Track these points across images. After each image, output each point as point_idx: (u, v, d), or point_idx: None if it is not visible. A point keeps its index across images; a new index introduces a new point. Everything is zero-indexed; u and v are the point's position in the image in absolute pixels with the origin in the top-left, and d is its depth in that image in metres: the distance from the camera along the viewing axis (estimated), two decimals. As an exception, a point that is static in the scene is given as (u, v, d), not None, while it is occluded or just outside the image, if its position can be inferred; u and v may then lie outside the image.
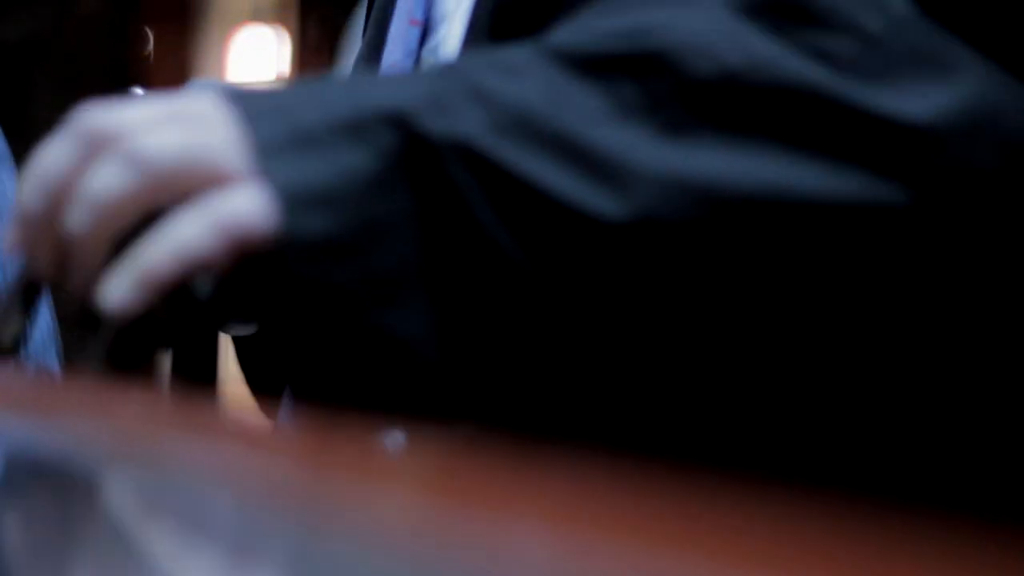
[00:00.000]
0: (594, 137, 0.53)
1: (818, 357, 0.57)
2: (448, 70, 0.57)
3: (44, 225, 0.52)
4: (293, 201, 0.50)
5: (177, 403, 0.48)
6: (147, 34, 4.69)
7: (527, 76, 0.54)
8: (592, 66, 0.54)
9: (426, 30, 0.71)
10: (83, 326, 0.51)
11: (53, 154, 0.53)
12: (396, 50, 0.72)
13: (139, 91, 0.61)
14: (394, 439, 0.61)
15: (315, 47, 4.67)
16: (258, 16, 4.91)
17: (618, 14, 0.56)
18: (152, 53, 4.71)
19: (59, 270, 0.52)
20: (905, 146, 0.54)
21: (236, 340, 0.72)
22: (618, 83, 0.54)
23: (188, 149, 0.51)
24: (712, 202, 0.52)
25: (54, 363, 1.11)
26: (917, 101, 0.54)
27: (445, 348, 0.52)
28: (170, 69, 4.61)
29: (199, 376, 0.53)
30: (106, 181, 0.51)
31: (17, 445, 0.41)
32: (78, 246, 0.51)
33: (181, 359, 0.54)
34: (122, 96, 0.57)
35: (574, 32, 0.56)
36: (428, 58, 0.70)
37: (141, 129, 0.52)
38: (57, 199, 0.52)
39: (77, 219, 0.51)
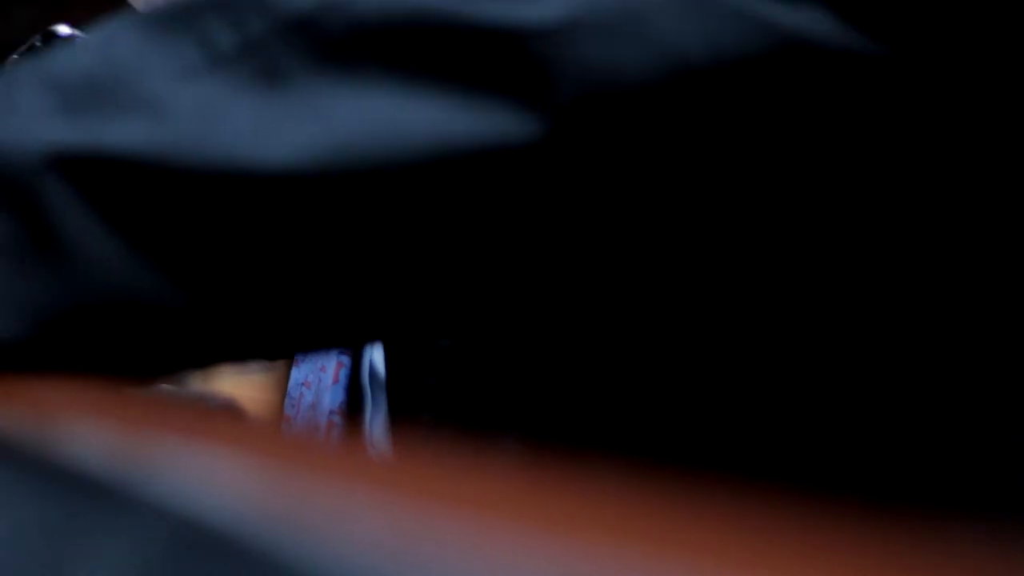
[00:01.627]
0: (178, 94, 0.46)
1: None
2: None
3: None
4: None
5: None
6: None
7: (90, 47, 0.48)
8: (175, 18, 0.48)
9: None
10: None
11: None
12: None
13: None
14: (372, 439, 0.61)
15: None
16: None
17: None
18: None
19: None
20: (525, 60, 0.45)
21: None
22: (207, 30, 0.48)
23: None
24: (325, 154, 0.46)
25: None
26: (530, 4, 0.46)
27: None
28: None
29: None
30: None
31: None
32: None
33: None
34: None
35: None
36: None
37: None
38: None
39: None
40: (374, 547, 0.26)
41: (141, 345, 0.47)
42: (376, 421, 0.86)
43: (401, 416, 0.65)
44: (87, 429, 0.39)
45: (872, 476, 0.56)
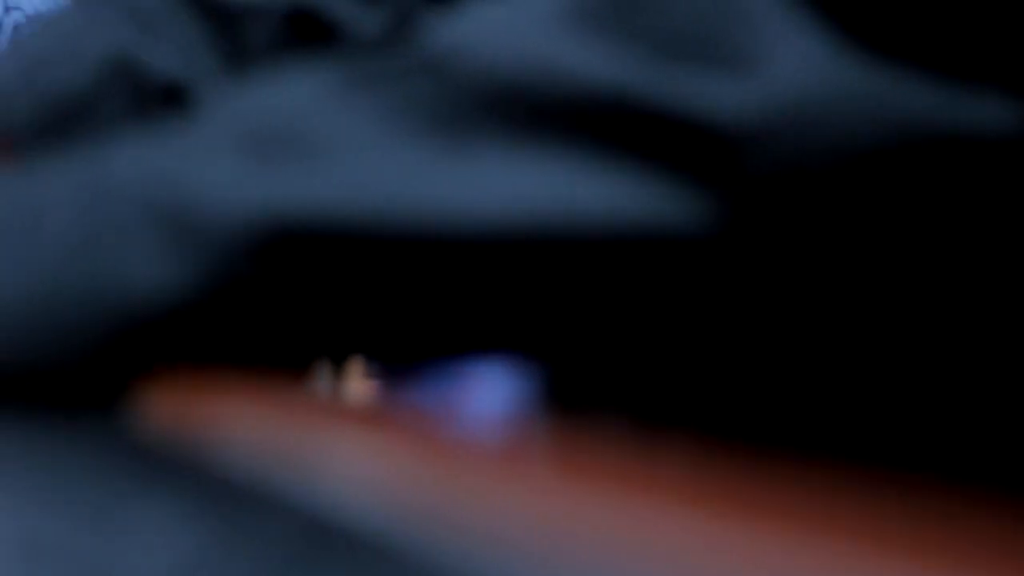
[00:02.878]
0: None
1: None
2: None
3: None
4: None
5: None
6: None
7: (281, 105, 0.50)
8: (369, 80, 0.49)
9: None
10: None
11: None
12: None
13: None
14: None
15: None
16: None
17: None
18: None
19: None
20: (709, 150, 0.46)
21: None
22: (399, 95, 0.49)
23: None
24: (503, 221, 0.47)
25: None
26: (721, 96, 0.46)
27: None
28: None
29: None
30: None
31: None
32: None
33: None
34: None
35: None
36: None
37: None
38: None
39: None
40: (526, 547, 0.25)
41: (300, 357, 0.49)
42: (520, 419, 0.86)
43: (561, 412, 0.65)
44: (235, 426, 0.39)
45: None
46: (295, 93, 0.50)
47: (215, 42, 0.84)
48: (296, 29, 0.83)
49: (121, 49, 0.82)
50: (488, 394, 0.99)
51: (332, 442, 0.35)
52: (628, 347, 0.52)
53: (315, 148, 0.48)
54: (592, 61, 0.48)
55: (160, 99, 0.81)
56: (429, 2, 0.80)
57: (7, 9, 1.28)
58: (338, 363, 0.51)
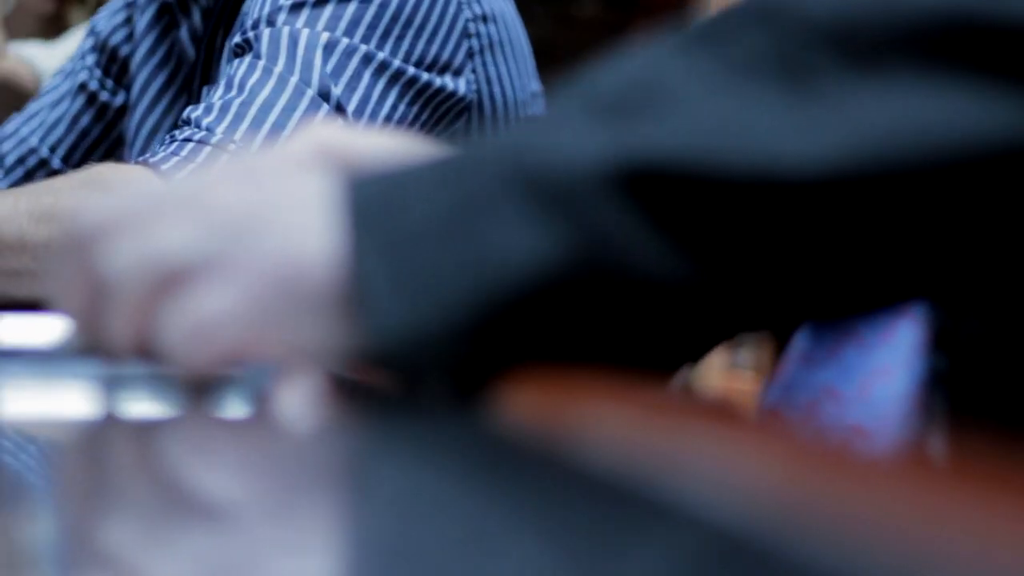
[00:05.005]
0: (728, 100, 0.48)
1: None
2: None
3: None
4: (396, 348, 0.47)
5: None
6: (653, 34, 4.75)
7: (626, 66, 0.50)
8: (708, 31, 0.50)
9: None
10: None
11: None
12: None
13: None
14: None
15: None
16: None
17: None
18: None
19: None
20: None
21: None
22: (738, 42, 0.49)
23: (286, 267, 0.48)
24: (859, 157, 0.47)
25: None
26: None
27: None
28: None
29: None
30: (211, 302, 0.48)
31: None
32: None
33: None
34: None
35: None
36: None
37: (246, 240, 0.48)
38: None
39: (175, 340, 0.48)
40: (897, 551, 0.25)
41: (665, 330, 0.49)
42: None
43: (954, 421, 0.64)
44: (601, 425, 0.39)
45: None
46: (636, 59, 0.51)
47: None
48: None
49: None
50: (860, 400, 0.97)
51: (699, 442, 0.36)
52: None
53: (661, 102, 0.48)
54: None
55: None
56: None
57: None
58: (701, 351, 0.51)
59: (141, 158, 1.22)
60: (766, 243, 0.48)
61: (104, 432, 0.52)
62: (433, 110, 1.28)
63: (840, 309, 0.53)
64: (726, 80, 0.49)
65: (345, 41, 1.24)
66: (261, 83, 1.21)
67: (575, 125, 0.49)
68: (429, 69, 1.26)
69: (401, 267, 0.47)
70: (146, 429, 0.52)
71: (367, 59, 1.24)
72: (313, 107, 1.21)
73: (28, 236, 1.17)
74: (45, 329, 0.59)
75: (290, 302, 0.48)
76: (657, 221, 0.47)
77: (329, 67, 1.23)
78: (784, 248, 0.48)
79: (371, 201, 0.49)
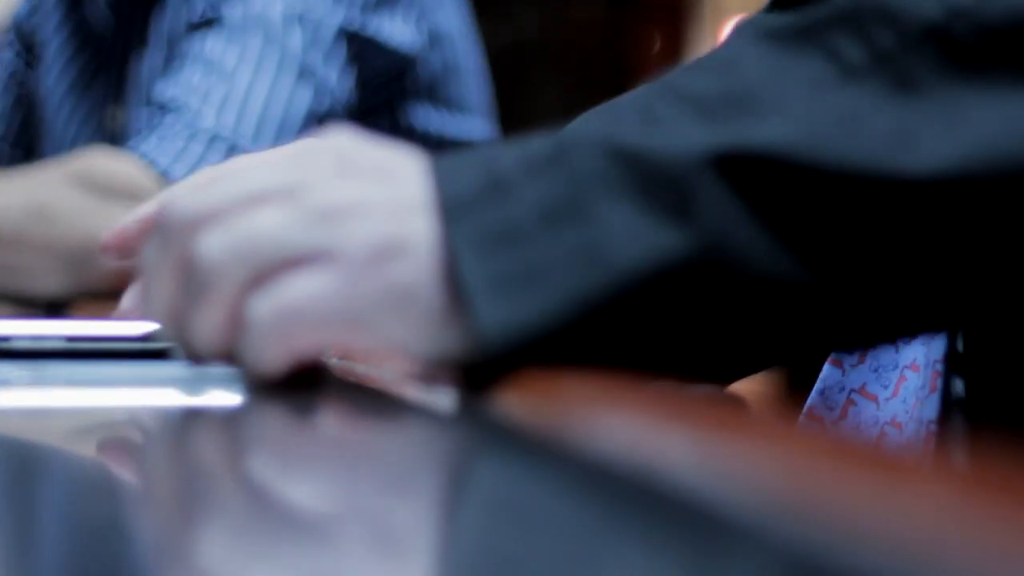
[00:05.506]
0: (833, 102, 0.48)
1: None
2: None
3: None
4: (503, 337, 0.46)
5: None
6: (652, 34, 4.77)
7: (716, 65, 0.50)
8: (801, 34, 0.49)
9: None
10: None
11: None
12: None
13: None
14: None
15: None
16: (750, 7, 4.90)
17: None
18: (656, 53, 4.78)
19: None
20: None
21: None
22: (835, 44, 0.49)
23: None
24: (966, 160, 0.47)
25: None
26: None
27: None
28: (667, 67, 4.67)
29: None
30: (313, 291, 0.47)
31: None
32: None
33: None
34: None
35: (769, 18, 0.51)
36: None
37: (350, 230, 0.47)
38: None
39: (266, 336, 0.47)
40: (915, 552, 0.25)
41: (773, 330, 0.49)
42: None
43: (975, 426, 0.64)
44: (607, 422, 0.39)
45: None
46: (726, 61, 0.50)
47: None
48: None
49: None
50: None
51: (711, 439, 0.35)
52: None
53: (765, 101, 0.48)
54: None
55: None
56: None
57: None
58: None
59: (129, 145, 1.20)
60: (877, 242, 0.48)
61: (187, 423, 0.52)
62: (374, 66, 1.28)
63: (945, 315, 0.53)
64: (829, 81, 0.48)
65: (318, 12, 1.24)
66: (242, 65, 1.21)
67: (677, 120, 0.48)
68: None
69: (504, 262, 0.46)
70: (232, 418, 0.51)
71: (341, 32, 1.25)
72: (301, 88, 1.21)
73: (24, 232, 1.16)
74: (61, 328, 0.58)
75: (390, 297, 0.47)
76: (769, 217, 0.47)
77: (306, 41, 1.23)
78: (894, 248, 0.48)
79: (467, 192, 0.48)
